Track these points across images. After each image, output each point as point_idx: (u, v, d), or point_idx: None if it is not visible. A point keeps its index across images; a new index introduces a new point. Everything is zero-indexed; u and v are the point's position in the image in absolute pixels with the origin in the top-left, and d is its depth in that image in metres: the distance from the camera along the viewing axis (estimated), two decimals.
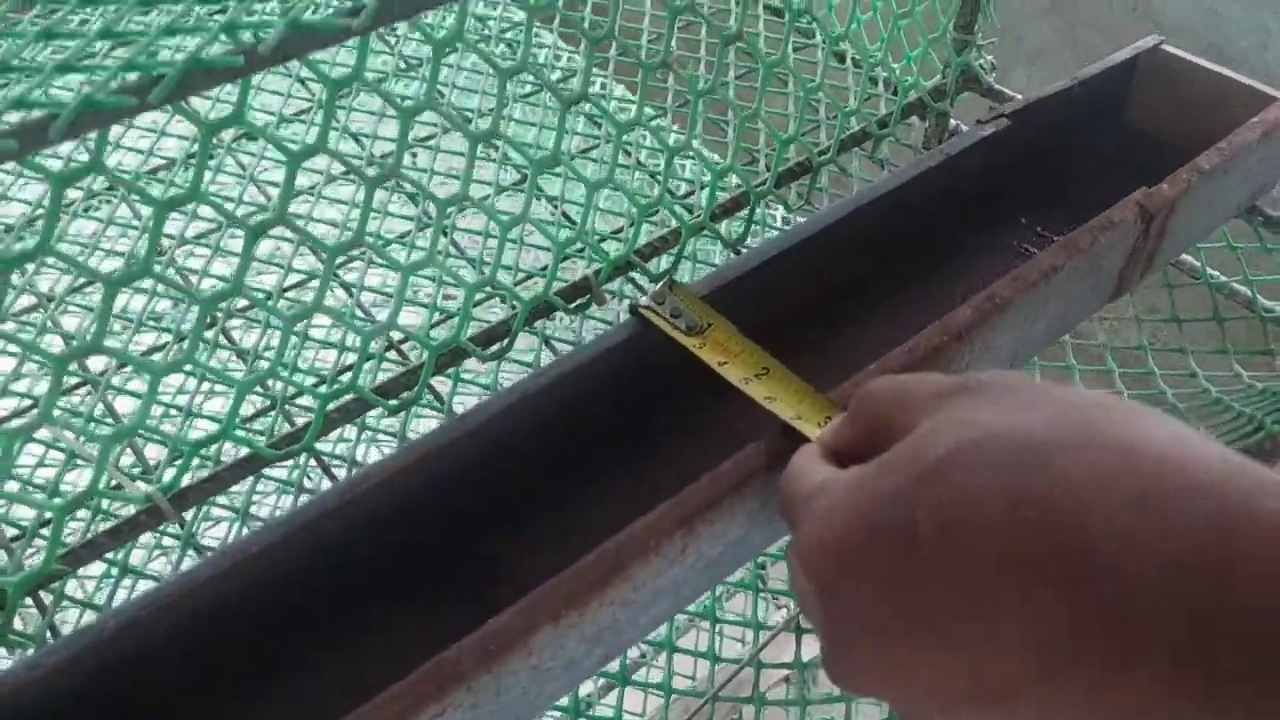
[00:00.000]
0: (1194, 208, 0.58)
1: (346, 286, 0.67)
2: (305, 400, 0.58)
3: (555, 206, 0.73)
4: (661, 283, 0.52)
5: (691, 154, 0.62)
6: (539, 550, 0.48)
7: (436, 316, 0.65)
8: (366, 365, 0.60)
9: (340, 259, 0.59)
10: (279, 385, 0.58)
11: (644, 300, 0.51)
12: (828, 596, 0.30)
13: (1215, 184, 0.58)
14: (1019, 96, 0.78)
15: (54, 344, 0.62)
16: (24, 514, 0.58)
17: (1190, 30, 1.55)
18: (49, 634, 0.50)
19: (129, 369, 0.61)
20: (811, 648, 0.61)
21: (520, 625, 0.38)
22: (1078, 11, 1.64)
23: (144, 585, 0.57)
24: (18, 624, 0.48)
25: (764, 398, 0.44)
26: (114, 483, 0.51)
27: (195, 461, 0.51)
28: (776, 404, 0.44)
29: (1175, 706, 0.24)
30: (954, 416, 0.30)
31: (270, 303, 0.65)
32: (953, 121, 0.82)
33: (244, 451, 0.51)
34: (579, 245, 0.63)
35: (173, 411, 0.70)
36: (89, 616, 0.59)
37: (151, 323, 0.65)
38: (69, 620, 0.61)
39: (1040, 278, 0.51)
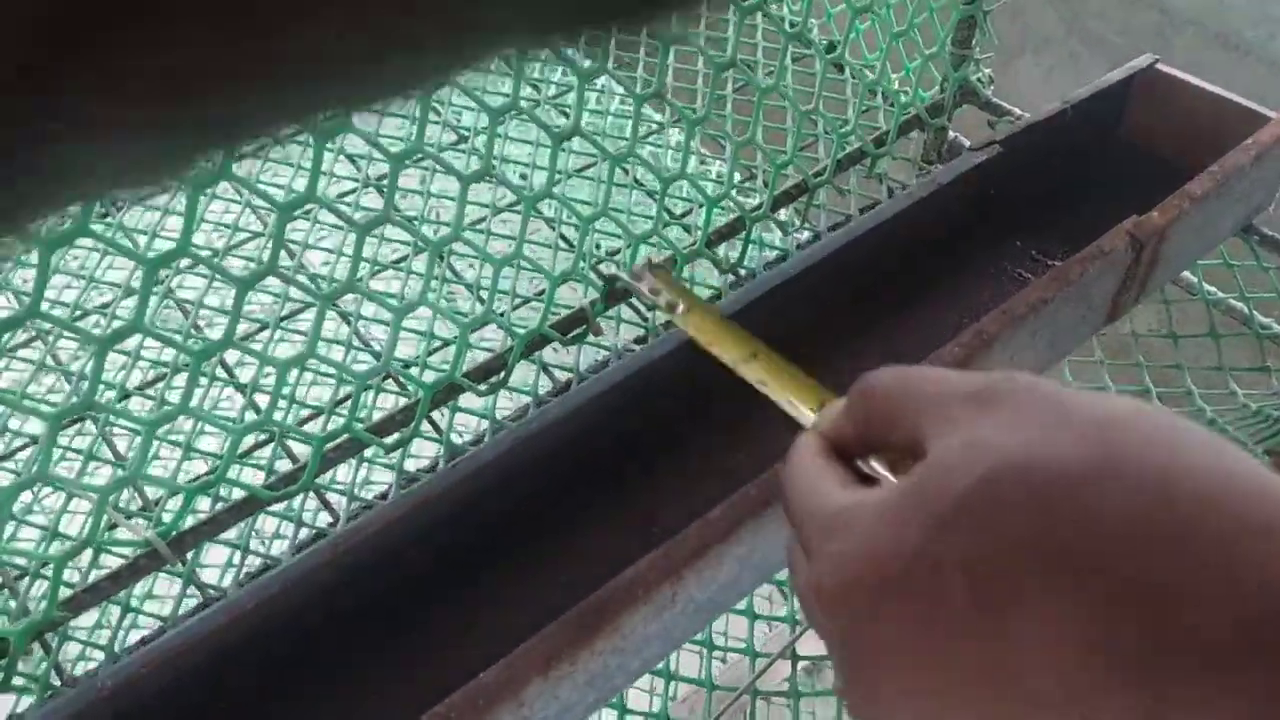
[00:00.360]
0: (1187, 232, 0.58)
1: (344, 315, 0.68)
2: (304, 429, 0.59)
3: (553, 228, 0.73)
4: (641, 261, 0.50)
5: (689, 176, 0.62)
6: (535, 586, 0.48)
7: (434, 344, 0.65)
8: (364, 398, 0.61)
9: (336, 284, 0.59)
10: (277, 416, 0.58)
11: (622, 275, 0.49)
12: (848, 640, 0.30)
13: (1208, 208, 0.58)
14: (1017, 111, 0.78)
15: (49, 379, 0.63)
16: (27, 547, 0.58)
17: (1198, 20, 1.54)
18: (54, 674, 0.50)
19: (127, 400, 0.62)
20: (805, 674, 0.62)
21: (509, 679, 0.39)
22: None
23: (145, 618, 0.58)
24: (22, 664, 0.49)
25: (756, 380, 0.43)
26: (113, 524, 0.52)
27: (195, 496, 0.52)
28: (768, 388, 0.42)
29: None
30: (970, 441, 0.28)
31: (267, 334, 0.65)
32: (951, 134, 0.82)
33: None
34: (578, 267, 0.63)
35: (165, 450, 0.70)
36: (88, 648, 0.60)
37: (148, 357, 0.65)
38: (76, 640, 0.61)
39: (1028, 311, 0.51)
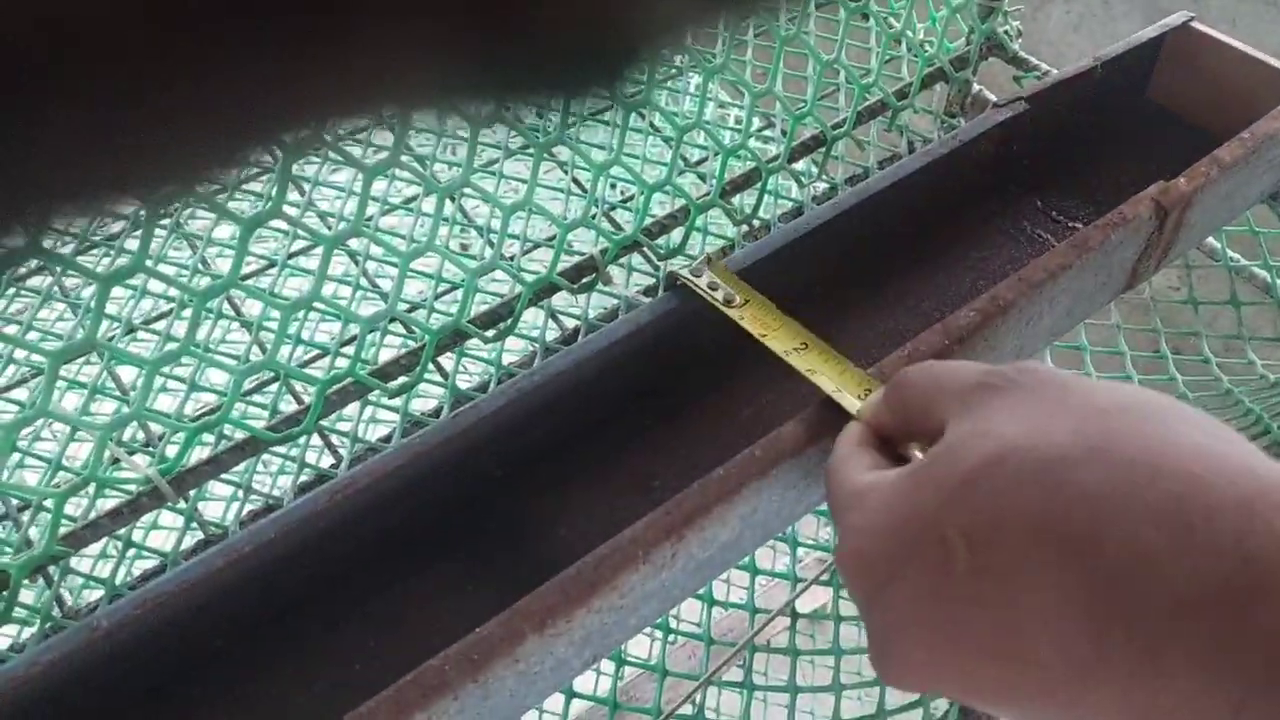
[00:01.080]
0: (1213, 200, 0.57)
1: (352, 255, 0.67)
2: (309, 371, 0.58)
3: (565, 172, 0.72)
4: (699, 258, 0.53)
5: (705, 126, 0.61)
6: (534, 541, 0.48)
7: (441, 287, 0.65)
8: (370, 337, 0.60)
9: (343, 225, 0.59)
10: (282, 357, 0.58)
11: (684, 272, 0.52)
12: (867, 605, 0.31)
13: (1236, 176, 0.57)
14: (1044, 65, 0.76)
15: (58, 309, 0.62)
16: (31, 481, 0.58)
17: None
18: (55, 606, 0.50)
19: (128, 335, 0.61)
20: (804, 632, 0.62)
21: (505, 635, 0.39)
22: None
23: (147, 553, 0.58)
24: (23, 595, 0.49)
25: (805, 370, 0.45)
26: (114, 459, 0.52)
27: (197, 435, 0.51)
28: (817, 377, 0.44)
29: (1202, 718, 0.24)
30: (979, 426, 0.30)
31: (275, 270, 0.65)
32: (975, 87, 0.80)
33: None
34: (590, 216, 0.62)
35: (172, 383, 0.70)
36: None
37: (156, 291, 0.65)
38: (77, 574, 0.62)
39: (1046, 278, 0.50)
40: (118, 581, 0.52)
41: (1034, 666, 0.27)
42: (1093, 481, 0.26)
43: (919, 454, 0.34)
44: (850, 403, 0.42)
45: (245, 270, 0.67)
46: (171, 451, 0.52)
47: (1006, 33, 0.76)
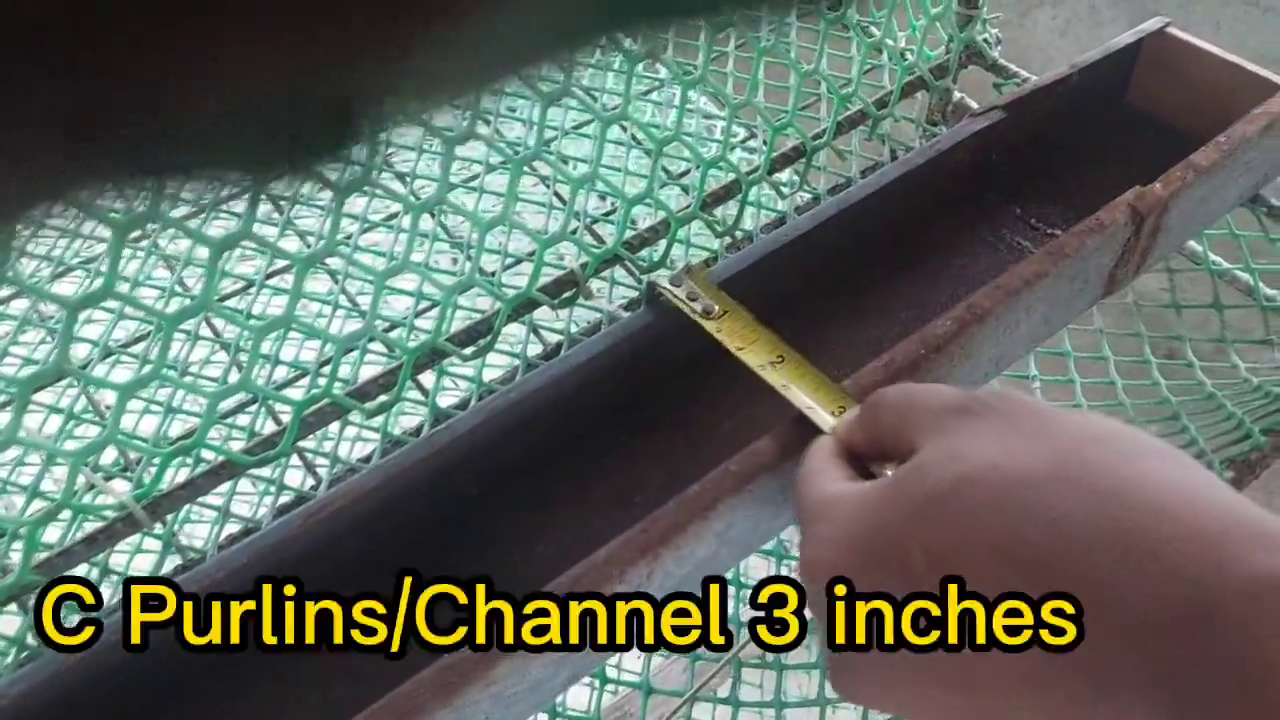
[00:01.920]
0: (1190, 204, 0.57)
1: (331, 274, 0.67)
2: (288, 392, 0.58)
3: (547, 186, 0.72)
4: (680, 268, 0.52)
5: (684, 139, 0.60)
6: (511, 560, 0.48)
7: (422, 304, 0.64)
8: (350, 356, 0.60)
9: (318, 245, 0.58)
10: (260, 380, 0.58)
11: (662, 282, 0.51)
12: (827, 616, 0.31)
13: (1213, 180, 0.57)
14: (1024, 73, 0.76)
15: (40, 334, 0.62)
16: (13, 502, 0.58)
17: None
18: (31, 635, 0.50)
19: (111, 359, 0.61)
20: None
21: (480, 658, 0.38)
22: None
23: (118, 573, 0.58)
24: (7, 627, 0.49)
25: (780, 385, 0.45)
26: (90, 485, 0.52)
27: (175, 459, 0.51)
28: (791, 391, 0.44)
29: None
30: (952, 447, 0.30)
31: (253, 290, 0.65)
32: (957, 95, 0.80)
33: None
34: (570, 231, 0.62)
35: (154, 406, 0.70)
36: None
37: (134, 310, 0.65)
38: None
39: (1022, 285, 0.50)
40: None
41: (986, 687, 0.27)
42: (1060, 507, 0.27)
43: (890, 473, 0.34)
44: (824, 419, 0.42)
45: (226, 290, 0.67)
46: (151, 476, 0.52)
47: (986, 40, 0.76)
